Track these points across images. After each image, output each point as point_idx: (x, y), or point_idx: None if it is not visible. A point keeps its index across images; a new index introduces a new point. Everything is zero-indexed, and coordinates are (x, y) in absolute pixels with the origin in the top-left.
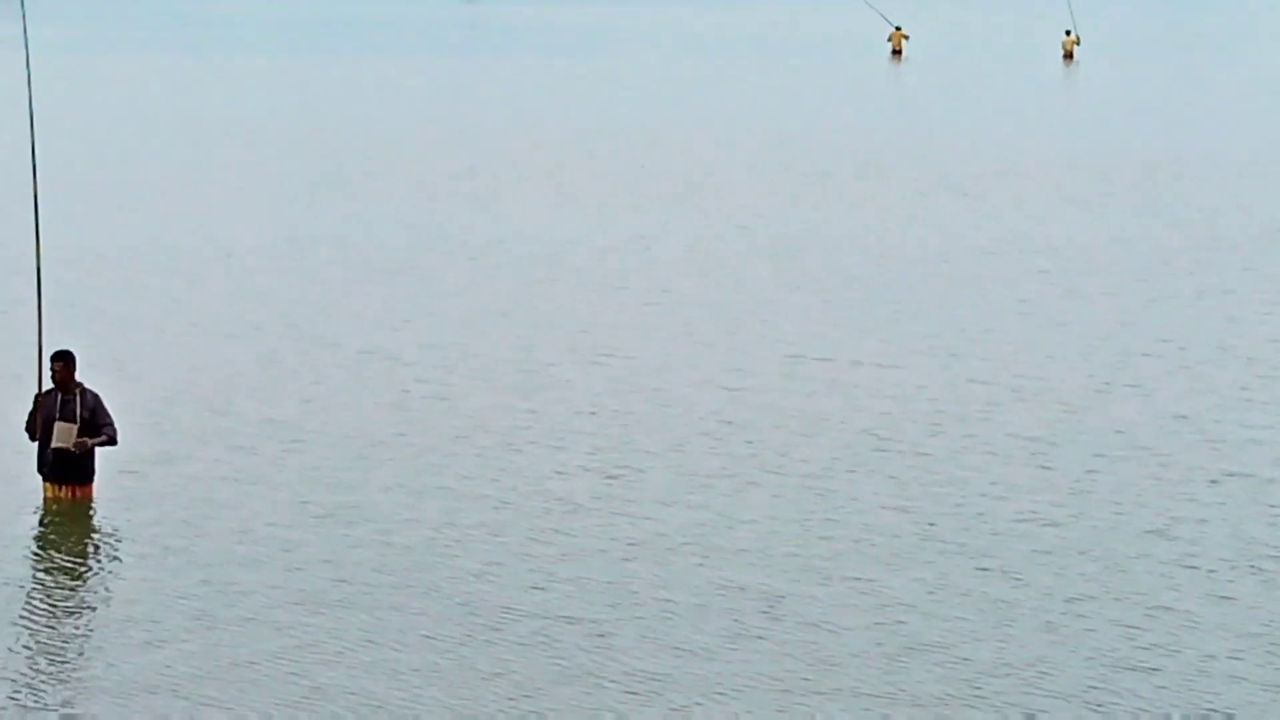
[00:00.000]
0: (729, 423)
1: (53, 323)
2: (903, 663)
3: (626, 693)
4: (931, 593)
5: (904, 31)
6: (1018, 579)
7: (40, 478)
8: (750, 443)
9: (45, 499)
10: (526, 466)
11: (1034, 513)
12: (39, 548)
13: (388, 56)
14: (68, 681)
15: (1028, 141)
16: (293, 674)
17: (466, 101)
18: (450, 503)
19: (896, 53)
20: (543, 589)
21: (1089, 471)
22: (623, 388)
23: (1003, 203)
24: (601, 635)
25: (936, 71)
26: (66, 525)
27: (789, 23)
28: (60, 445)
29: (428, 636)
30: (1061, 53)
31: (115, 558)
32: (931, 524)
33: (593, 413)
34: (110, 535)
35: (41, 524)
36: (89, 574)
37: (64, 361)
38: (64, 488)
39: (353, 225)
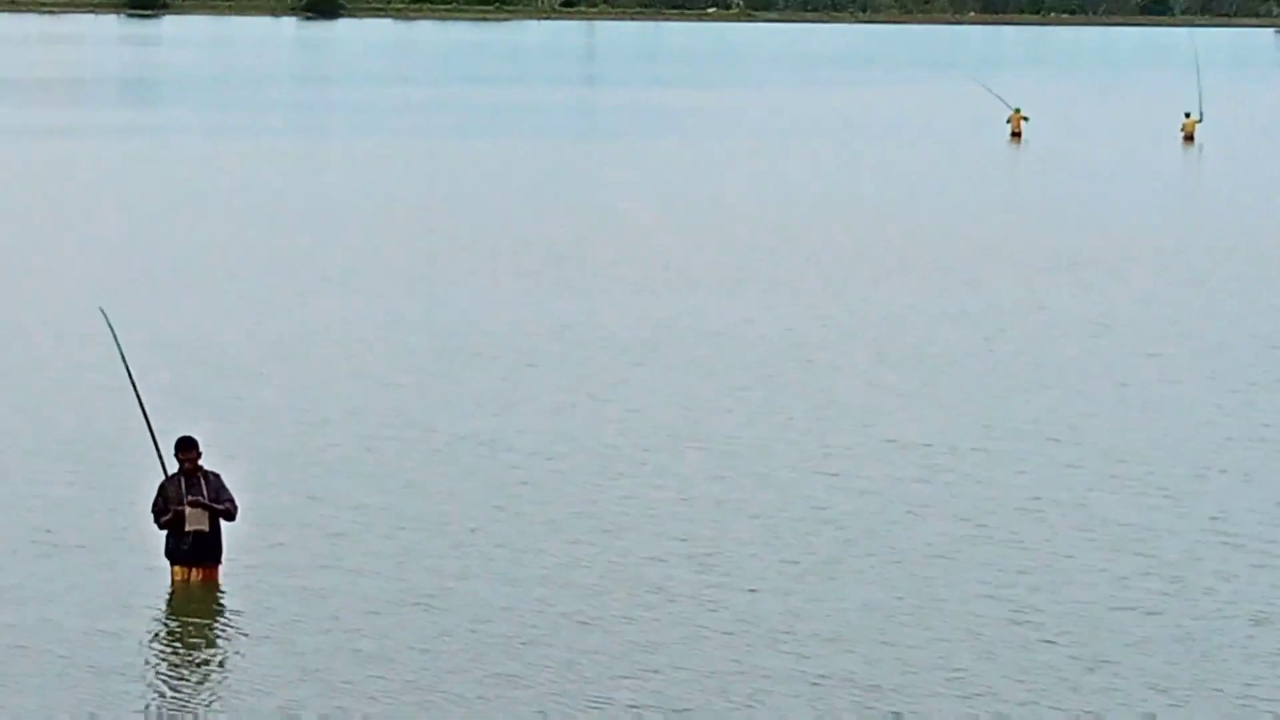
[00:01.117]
0: (824, 508)
1: (160, 406)
2: None
3: None
4: (1024, 682)
5: (1023, 113)
6: (1115, 670)
7: (169, 561)
8: (844, 529)
9: (175, 582)
10: (620, 553)
11: (1132, 601)
12: (174, 627)
13: (499, 140)
14: None
15: (1143, 225)
16: None
17: (573, 184)
18: (543, 590)
19: (1016, 135)
20: (634, 678)
21: (1188, 559)
22: (718, 473)
23: (1113, 286)
24: None
25: (1056, 153)
26: (195, 604)
27: (909, 105)
28: (196, 528)
29: None
30: (1181, 135)
31: (240, 636)
32: (1026, 612)
33: (687, 499)
34: (239, 613)
35: (172, 604)
36: (215, 652)
37: (194, 449)
38: (194, 570)
39: (453, 309)
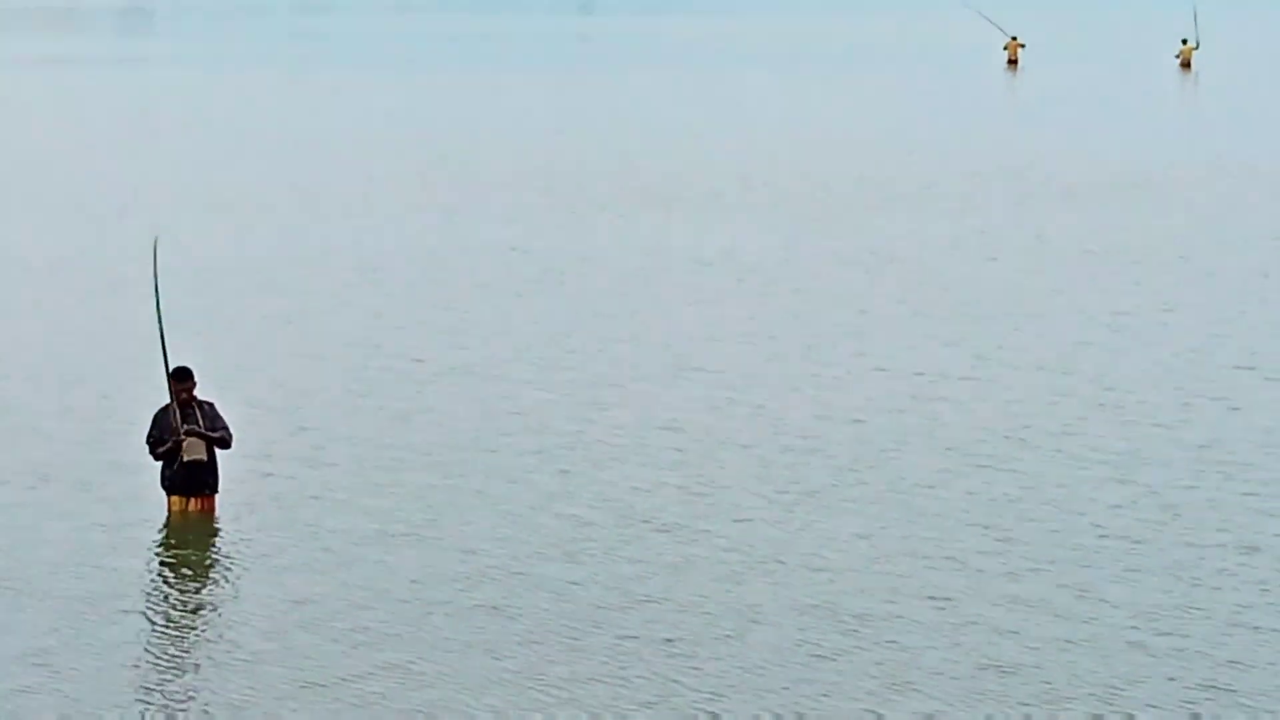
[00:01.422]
0: (814, 437)
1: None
2: (982, 682)
3: (703, 710)
4: (1012, 611)
5: (1020, 41)
6: (1102, 598)
7: (164, 492)
8: (834, 458)
9: (172, 512)
10: (609, 483)
11: (1121, 530)
12: (170, 558)
13: (500, 71)
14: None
15: (1139, 151)
16: (379, 694)
17: (573, 115)
18: (533, 520)
19: (1012, 62)
20: (623, 609)
21: (1177, 487)
22: (708, 402)
23: (1107, 214)
24: (678, 655)
25: (1052, 81)
26: (192, 535)
27: (903, 33)
28: (193, 458)
29: (504, 655)
30: (1178, 61)
31: (238, 566)
32: (1014, 540)
33: (676, 428)
34: (235, 543)
35: (169, 534)
36: (211, 584)
37: (189, 380)
38: (192, 500)
39: (447, 238)
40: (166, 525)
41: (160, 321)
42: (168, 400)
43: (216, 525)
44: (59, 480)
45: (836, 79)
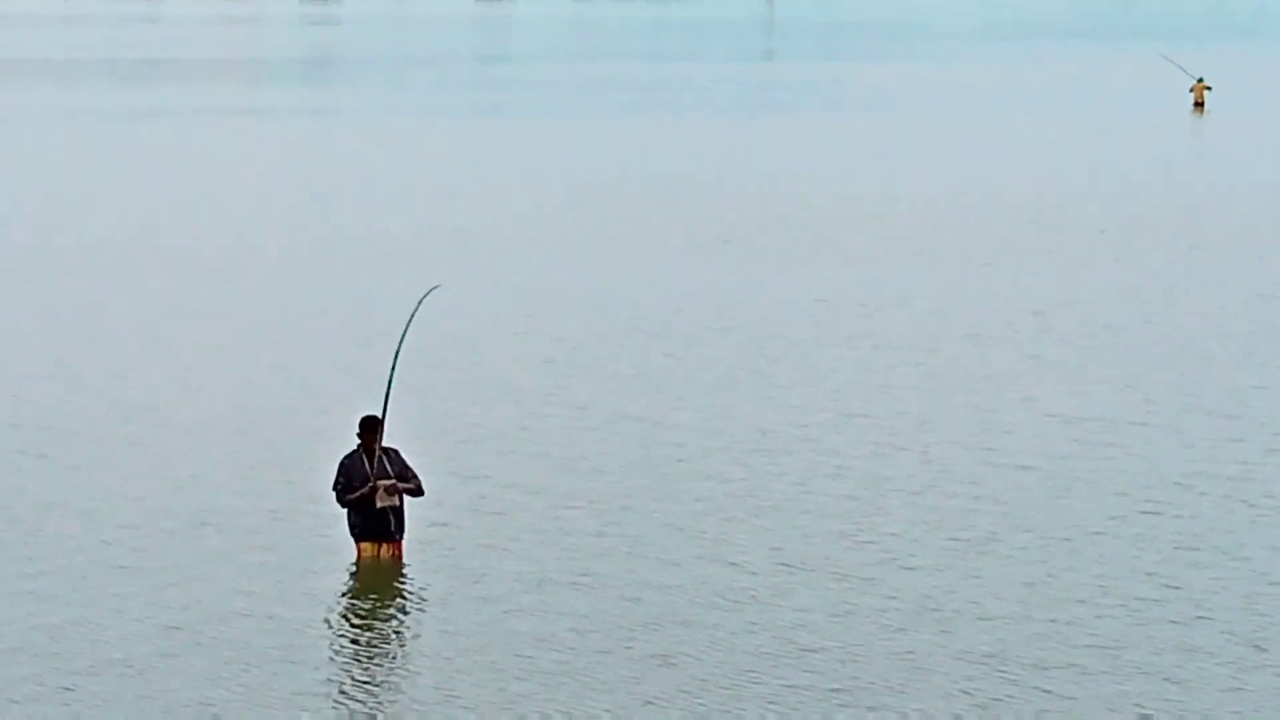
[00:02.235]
0: (981, 483)
1: (329, 382)
2: None
3: None
4: (1180, 660)
5: (1206, 84)
6: (1272, 647)
7: (354, 539)
8: (1001, 504)
9: (363, 558)
10: (775, 530)
11: None
12: (361, 603)
13: (678, 117)
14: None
15: None
16: None
17: (748, 161)
18: (697, 569)
19: (1199, 105)
20: (788, 657)
21: None
22: (875, 449)
23: None
24: (842, 705)
25: (1238, 125)
26: (380, 580)
27: (1088, 76)
28: (386, 504)
29: (666, 703)
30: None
31: (417, 611)
32: (1183, 588)
33: (843, 475)
34: (421, 586)
35: (358, 580)
36: (394, 627)
37: (379, 429)
38: (383, 546)
39: (616, 286)
40: (356, 571)
41: (394, 369)
42: (354, 448)
43: (404, 570)
44: (238, 527)
45: (1018, 122)
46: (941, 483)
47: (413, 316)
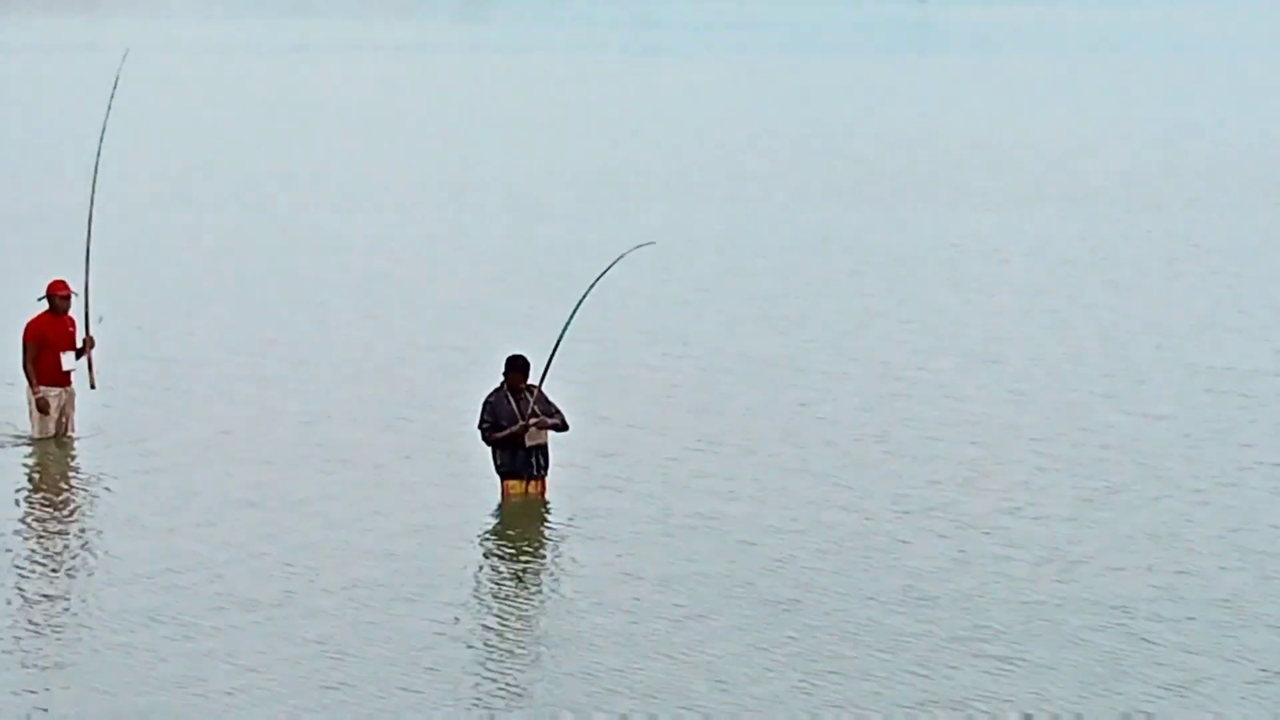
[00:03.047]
0: (1112, 431)
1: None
2: (1269, 688)
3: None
4: None
5: None
6: None
7: (500, 476)
8: (1132, 454)
9: (512, 495)
10: (897, 475)
11: None
12: (513, 538)
13: (831, 57)
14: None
15: None
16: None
17: (897, 101)
18: (817, 512)
19: None
20: (906, 603)
21: None
22: (1004, 394)
23: None
24: (962, 652)
25: None
26: (529, 516)
27: (1235, 22)
28: (536, 443)
29: (780, 647)
30: None
31: (570, 545)
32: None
33: (970, 420)
34: (565, 524)
35: (509, 516)
36: (547, 562)
37: (528, 369)
38: (530, 483)
39: (755, 227)
40: (503, 508)
41: (573, 316)
42: (496, 387)
43: (548, 506)
44: (387, 467)
45: (1159, 70)
46: (1070, 432)
47: (606, 270)
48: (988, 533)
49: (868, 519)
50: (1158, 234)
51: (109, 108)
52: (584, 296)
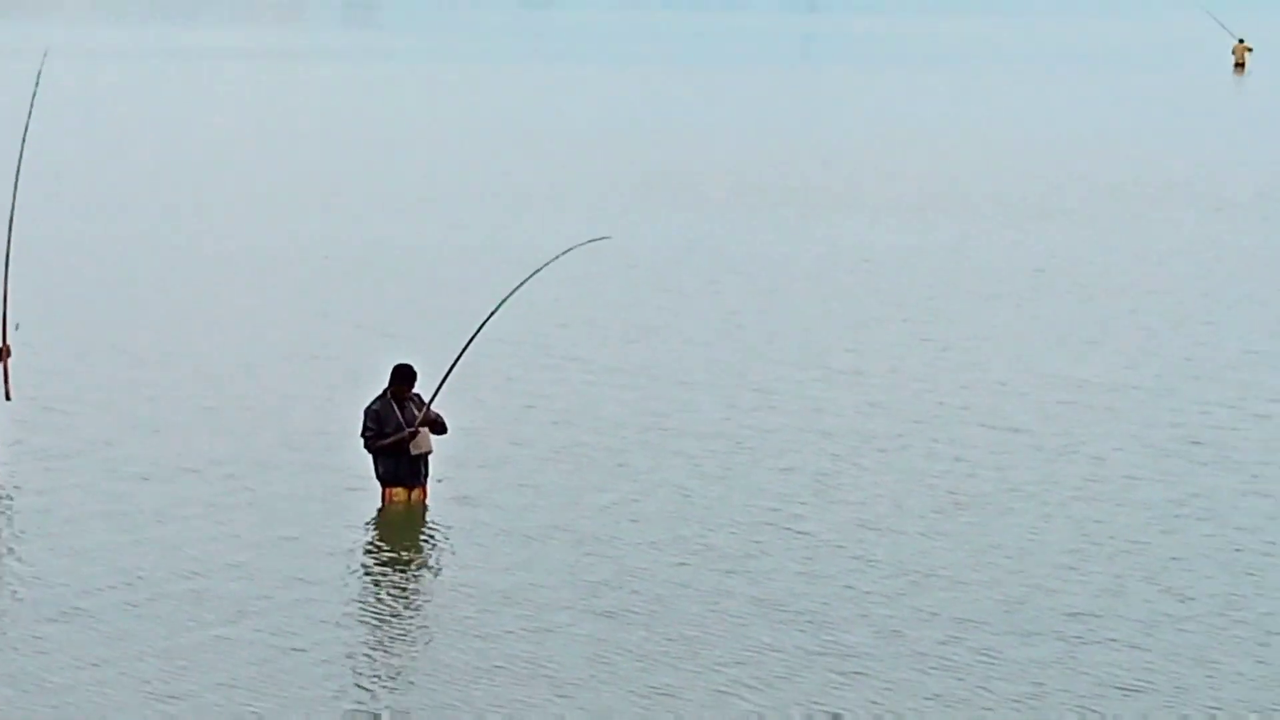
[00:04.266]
0: (964, 444)
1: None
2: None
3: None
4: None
5: (1247, 44)
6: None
7: (382, 484)
8: (984, 466)
9: (394, 502)
10: (740, 485)
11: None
12: (393, 545)
13: (721, 66)
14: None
15: None
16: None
17: (784, 112)
18: (663, 521)
19: (1239, 66)
20: (747, 615)
21: None
22: (861, 407)
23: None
24: (798, 663)
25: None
26: (414, 524)
27: (1131, 33)
28: (422, 451)
29: (641, 658)
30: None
31: (457, 553)
32: (1160, 556)
33: (825, 433)
34: (447, 530)
35: (389, 523)
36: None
37: (411, 379)
38: (414, 491)
39: (637, 237)
40: (383, 516)
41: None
42: (379, 395)
43: (428, 513)
44: (262, 475)
45: (1054, 79)
46: (925, 444)
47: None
48: (840, 546)
49: (720, 531)
50: (1025, 246)
51: (30, 109)
52: (489, 317)
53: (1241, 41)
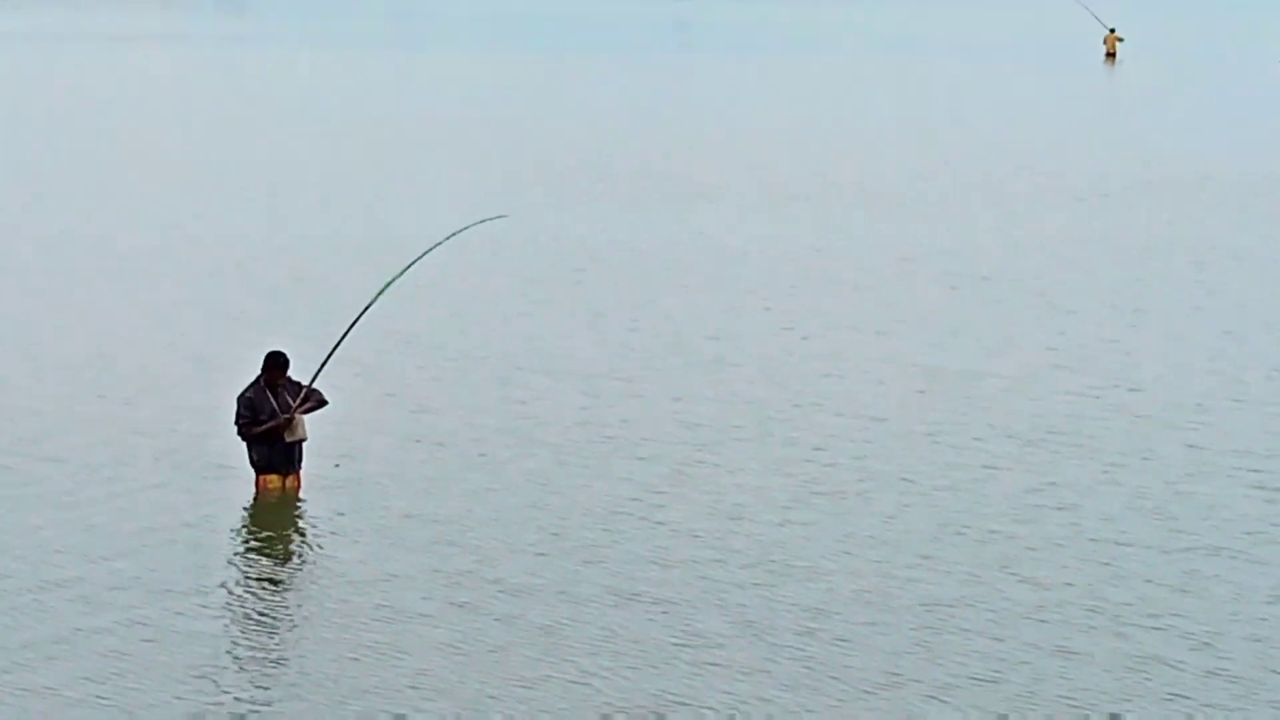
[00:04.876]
0: (821, 433)
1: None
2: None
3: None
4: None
5: (1118, 35)
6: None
7: (256, 471)
8: (842, 456)
9: (269, 489)
10: (603, 473)
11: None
12: (267, 533)
13: (592, 53)
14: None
15: (1230, 151)
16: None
17: (647, 101)
18: (520, 510)
19: (1110, 55)
20: (602, 604)
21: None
22: (720, 395)
23: (1178, 212)
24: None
25: (1148, 76)
26: (286, 511)
27: (1002, 23)
28: (297, 438)
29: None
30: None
31: (324, 541)
32: (1015, 547)
33: (683, 422)
34: (319, 519)
35: (263, 511)
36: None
37: (285, 365)
38: (288, 478)
39: (499, 225)
40: (257, 503)
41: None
42: (252, 383)
43: (301, 500)
44: (137, 464)
45: (921, 69)
46: (783, 433)
47: (375, 293)
48: (698, 535)
49: (578, 520)
50: (891, 236)
51: None
52: (370, 303)
53: (1113, 31)
